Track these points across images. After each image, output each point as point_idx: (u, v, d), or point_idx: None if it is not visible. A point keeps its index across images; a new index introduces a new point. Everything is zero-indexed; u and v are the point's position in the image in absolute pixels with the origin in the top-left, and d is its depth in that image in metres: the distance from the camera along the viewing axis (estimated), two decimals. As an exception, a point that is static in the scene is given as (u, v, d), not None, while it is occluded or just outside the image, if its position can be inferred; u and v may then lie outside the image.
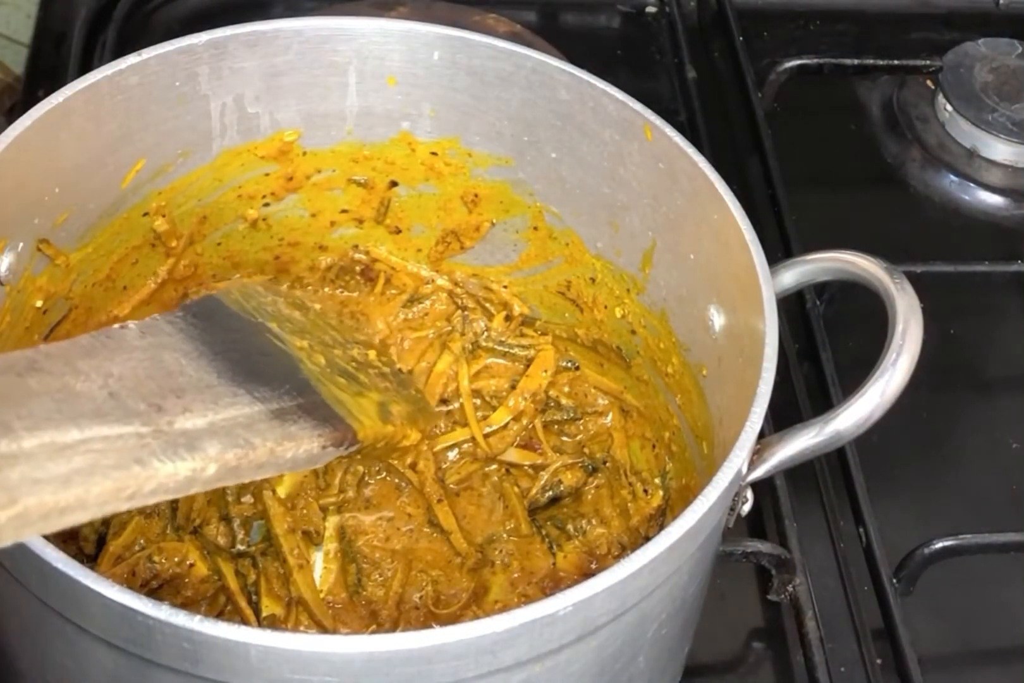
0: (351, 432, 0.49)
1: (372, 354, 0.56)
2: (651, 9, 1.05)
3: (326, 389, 0.51)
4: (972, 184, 0.95)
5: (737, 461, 0.50)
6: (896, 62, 0.99)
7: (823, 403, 0.77)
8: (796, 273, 0.58)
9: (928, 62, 0.99)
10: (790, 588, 0.70)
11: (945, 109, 0.97)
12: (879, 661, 0.69)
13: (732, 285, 0.58)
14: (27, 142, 0.56)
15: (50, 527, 0.37)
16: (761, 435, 0.52)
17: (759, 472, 0.54)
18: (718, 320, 0.60)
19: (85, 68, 0.90)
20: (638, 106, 0.61)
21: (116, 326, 0.48)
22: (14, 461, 0.36)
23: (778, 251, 0.84)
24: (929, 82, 1.00)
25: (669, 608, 0.53)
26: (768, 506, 0.73)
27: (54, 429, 0.38)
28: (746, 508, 0.57)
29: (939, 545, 0.70)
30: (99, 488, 0.38)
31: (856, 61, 0.98)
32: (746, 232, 0.56)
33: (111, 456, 0.39)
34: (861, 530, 0.72)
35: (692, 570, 0.53)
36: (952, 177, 0.96)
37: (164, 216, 0.66)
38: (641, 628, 0.51)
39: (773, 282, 0.55)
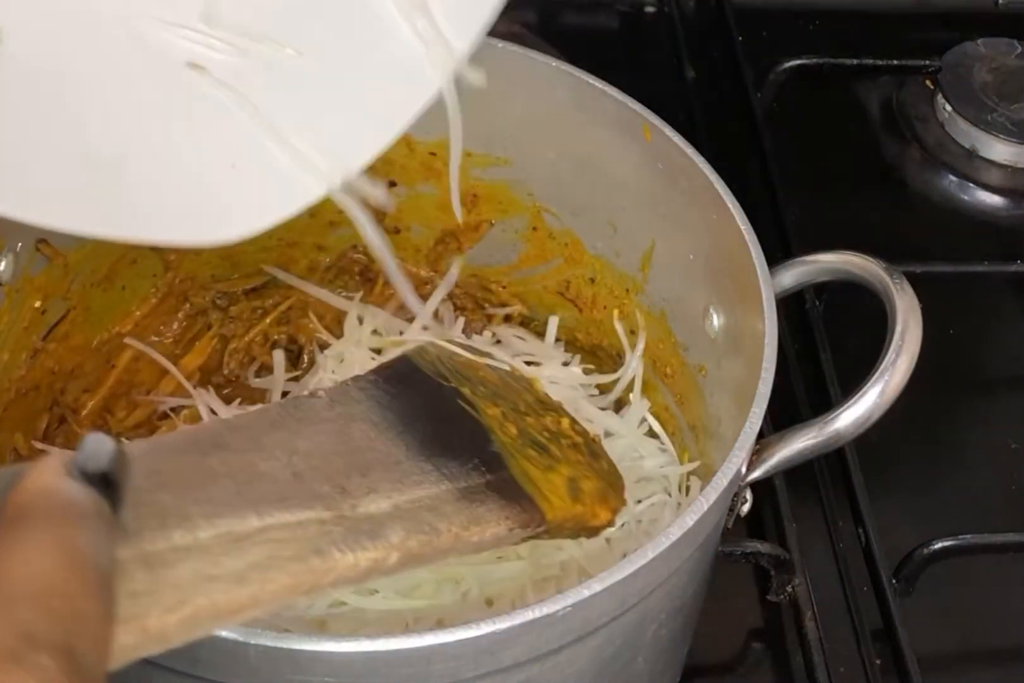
0: (539, 514, 0.47)
1: (565, 422, 0.55)
2: (650, 9, 1.05)
3: (516, 463, 0.49)
4: (971, 184, 0.95)
5: (736, 461, 0.50)
6: (895, 62, 0.99)
7: (822, 403, 0.76)
8: (795, 273, 0.58)
9: (927, 62, 0.99)
10: (789, 588, 0.70)
11: (944, 109, 0.97)
12: (878, 661, 0.69)
13: (731, 285, 0.58)
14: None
15: (217, 627, 0.37)
16: (761, 435, 0.52)
17: (758, 472, 0.54)
18: (717, 320, 0.60)
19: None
20: (637, 106, 0.61)
21: (306, 394, 0.47)
22: (187, 555, 0.35)
23: (777, 251, 0.84)
24: (928, 82, 1.00)
25: (668, 608, 0.53)
26: (767, 506, 0.73)
27: (232, 516, 0.37)
28: (745, 508, 0.57)
29: (939, 545, 0.70)
30: (274, 585, 0.37)
31: (855, 61, 0.98)
32: (745, 232, 0.56)
33: (290, 547, 0.38)
34: (860, 530, 0.72)
35: (691, 570, 0.53)
36: (951, 177, 0.96)
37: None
38: (640, 628, 0.51)
39: (772, 282, 0.55)
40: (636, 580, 0.46)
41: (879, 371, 0.53)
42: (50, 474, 0.33)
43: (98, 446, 0.34)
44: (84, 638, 0.30)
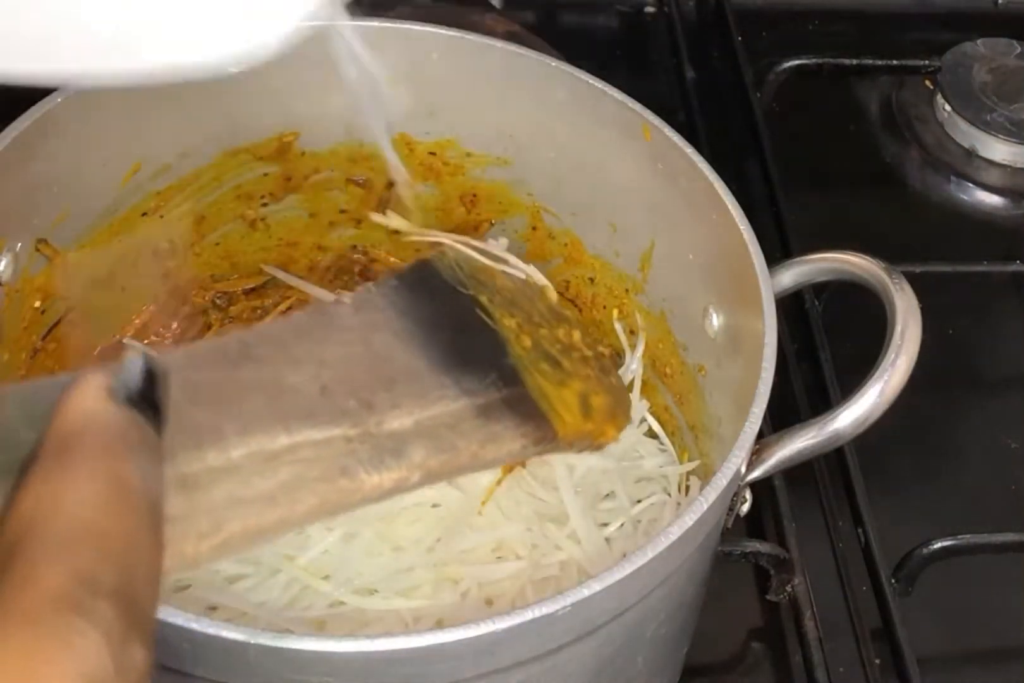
0: (552, 431, 0.48)
1: (576, 335, 0.54)
2: (650, 9, 1.05)
3: (531, 378, 0.49)
4: (971, 184, 0.95)
5: (736, 461, 0.50)
6: (895, 62, 0.99)
7: (822, 403, 0.77)
8: (795, 273, 0.58)
9: (927, 62, 0.99)
10: (789, 588, 0.70)
11: (944, 109, 0.97)
12: (878, 661, 0.69)
13: (731, 285, 0.58)
14: (25, 142, 0.56)
15: (245, 548, 0.36)
16: (760, 435, 0.52)
17: (758, 472, 0.54)
18: (717, 320, 0.60)
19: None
20: (637, 106, 0.61)
21: (332, 301, 0.46)
22: (220, 477, 0.35)
23: (776, 251, 0.84)
24: (928, 82, 1.00)
25: (668, 608, 0.53)
26: (767, 506, 0.73)
27: (263, 433, 0.37)
28: (745, 508, 0.57)
29: (938, 545, 0.70)
30: (304, 506, 0.37)
31: (855, 61, 0.98)
32: (745, 232, 0.56)
33: (318, 467, 0.38)
34: (860, 530, 0.72)
35: (691, 570, 0.53)
36: (951, 177, 0.96)
37: (169, 242, 0.66)
38: (640, 628, 0.51)
39: (772, 282, 0.55)
40: (636, 580, 0.46)
41: (878, 371, 0.53)
42: (93, 398, 0.32)
43: (137, 365, 0.33)
44: (139, 579, 0.29)
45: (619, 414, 0.53)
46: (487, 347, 0.48)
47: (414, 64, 0.64)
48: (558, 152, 0.66)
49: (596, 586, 0.44)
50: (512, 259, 0.61)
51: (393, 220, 0.65)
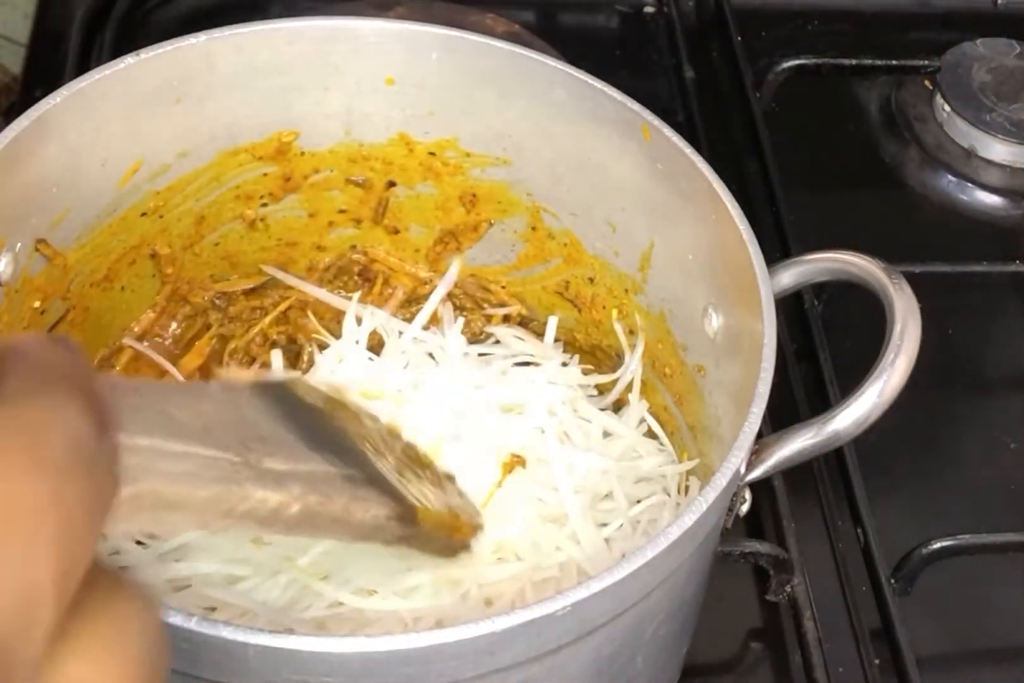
0: (412, 510, 0.49)
1: (432, 464, 0.56)
2: (649, 9, 1.05)
3: (391, 476, 0.51)
4: (970, 184, 0.95)
5: (735, 461, 0.49)
6: (894, 62, 0.99)
7: (821, 403, 0.77)
8: (794, 273, 0.58)
9: (926, 62, 0.99)
10: (788, 588, 0.70)
11: (943, 109, 0.97)
12: (877, 661, 0.69)
13: (730, 285, 0.58)
14: (24, 142, 0.56)
15: (155, 523, 0.38)
16: (760, 435, 0.52)
17: (757, 472, 0.54)
18: (716, 320, 0.60)
19: (83, 68, 0.90)
20: (636, 106, 0.61)
21: (197, 381, 0.48)
22: (131, 452, 0.36)
23: (776, 250, 0.84)
24: (927, 82, 1.00)
25: (667, 608, 0.53)
26: (766, 506, 0.73)
27: (160, 438, 0.39)
28: (744, 508, 0.57)
29: (937, 545, 0.70)
30: (203, 493, 0.39)
31: (854, 61, 0.98)
32: (744, 232, 0.56)
33: (210, 471, 0.40)
34: (859, 530, 0.72)
35: (690, 570, 0.53)
36: (950, 177, 0.96)
37: (168, 246, 0.66)
38: (639, 629, 0.51)
39: (771, 282, 0.55)
40: (635, 580, 0.46)
41: (877, 371, 0.53)
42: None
43: None
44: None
45: (474, 517, 0.54)
46: (348, 446, 0.50)
47: (413, 64, 0.64)
48: (558, 152, 0.66)
49: (595, 586, 0.44)
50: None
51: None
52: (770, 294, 0.54)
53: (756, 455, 0.54)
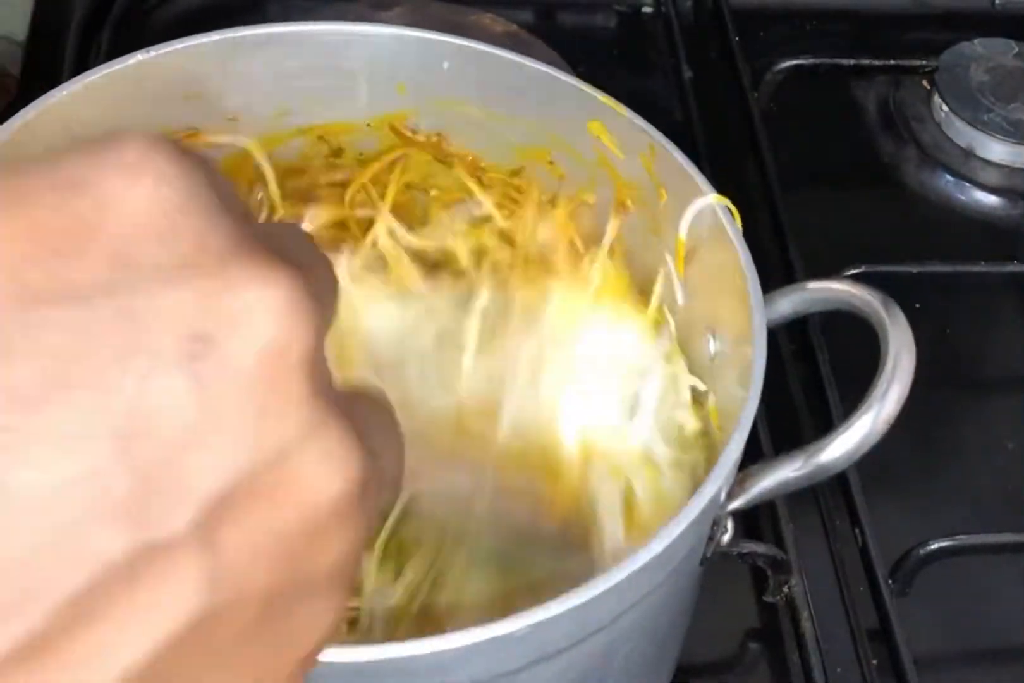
0: None
1: None
2: (647, 9, 1.05)
3: None
4: (968, 184, 0.95)
5: (709, 491, 0.47)
6: (892, 62, 0.99)
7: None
8: (793, 301, 0.57)
9: (924, 62, 0.99)
10: (786, 589, 0.70)
11: (941, 109, 0.97)
12: (875, 662, 0.69)
13: (727, 310, 0.57)
14: (23, 142, 0.56)
15: None
16: (754, 460, 0.51)
17: (738, 502, 0.53)
18: (714, 345, 0.59)
19: (81, 68, 0.89)
20: (643, 123, 0.60)
21: None
22: None
23: (775, 251, 0.84)
24: (925, 82, 1.00)
25: (641, 631, 0.52)
26: (764, 507, 0.73)
27: None
28: (726, 538, 0.55)
29: (935, 546, 0.70)
30: None
31: (852, 61, 0.98)
32: (741, 254, 0.55)
33: None
34: (857, 531, 0.72)
35: (666, 594, 0.51)
36: (948, 177, 0.96)
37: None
38: (609, 653, 0.50)
39: (770, 309, 0.54)
40: (599, 605, 0.44)
41: (868, 403, 0.52)
42: None
43: None
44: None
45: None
46: None
47: (425, 72, 0.63)
48: (567, 167, 0.65)
49: (555, 608, 0.43)
50: None
51: None
52: (763, 322, 0.53)
53: (740, 485, 0.52)
